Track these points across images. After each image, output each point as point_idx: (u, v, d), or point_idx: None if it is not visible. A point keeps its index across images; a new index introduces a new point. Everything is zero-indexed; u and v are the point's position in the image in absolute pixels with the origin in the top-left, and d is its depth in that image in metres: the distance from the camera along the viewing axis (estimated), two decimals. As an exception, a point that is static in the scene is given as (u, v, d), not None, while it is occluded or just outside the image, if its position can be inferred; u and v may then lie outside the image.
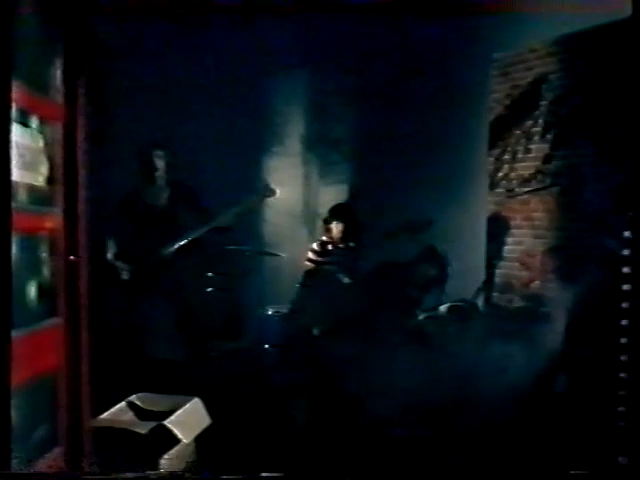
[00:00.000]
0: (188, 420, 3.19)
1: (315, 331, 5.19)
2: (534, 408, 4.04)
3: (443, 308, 5.59)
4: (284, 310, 5.27)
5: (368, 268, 5.51)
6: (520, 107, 5.92)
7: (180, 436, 3.06)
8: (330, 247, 5.48)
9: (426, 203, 5.80)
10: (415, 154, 6.13)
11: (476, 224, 6.17)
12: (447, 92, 6.07)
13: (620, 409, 3.30)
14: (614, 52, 4.92)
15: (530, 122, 5.79)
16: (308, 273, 5.40)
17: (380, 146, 6.42)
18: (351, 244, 5.50)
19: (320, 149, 6.83)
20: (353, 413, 4.13)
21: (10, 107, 2.00)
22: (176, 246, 4.65)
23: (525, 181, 5.82)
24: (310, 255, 5.47)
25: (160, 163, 4.75)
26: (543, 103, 5.67)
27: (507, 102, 6.05)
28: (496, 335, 5.00)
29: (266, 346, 5.10)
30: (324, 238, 5.52)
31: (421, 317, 5.43)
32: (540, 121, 5.69)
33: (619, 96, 4.88)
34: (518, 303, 5.75)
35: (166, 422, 3.07)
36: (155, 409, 3.28)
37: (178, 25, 5.52)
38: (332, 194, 6.48)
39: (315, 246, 5.50)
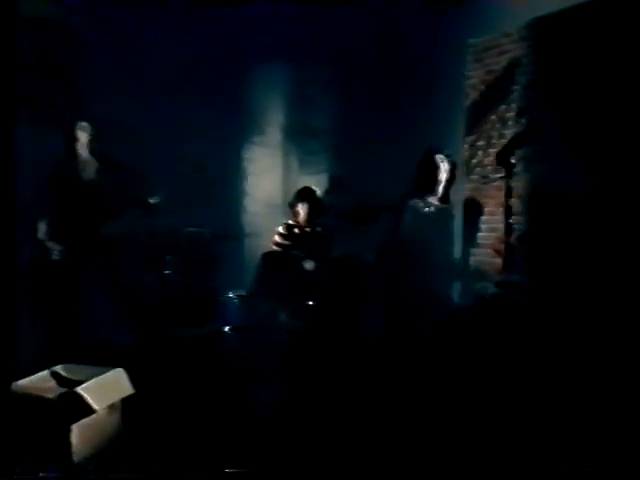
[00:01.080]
0: (103, 388, 3.15)
1: (282, 316, 5.16)
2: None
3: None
4: (244, 293, 5.23)
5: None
6: (494, 92, 5.85)
7: (92, 403, 3.02)
8: (297, 231, 5.44)
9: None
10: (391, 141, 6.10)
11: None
12: (424, 80, 6.04)
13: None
14: (590, 34, 4.85)
15: (504, 107, 5.72)
16: (272, 256, 5.35)
17: (357, 135, 6.40)
18: (318, 229, 5.47)
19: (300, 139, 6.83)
20: (319, 398, 4.07)
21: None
22: (112, 228, 4.57)
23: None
24: (276, 238, 5.43)
25: (83, 135, 4.68)
26: (516, 88, 5.60)
27: (482, 87, 5.98)
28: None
29: (226, 329, 5.07)
30: (290, 222, 5.48)
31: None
32: (514, 106, 5.62)
33: (595, 81, 4.80)
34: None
35: (78, 388, 3.04)
36: (76, 378, 3.24)
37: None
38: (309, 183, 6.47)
39: (281, 229, 5.45)
